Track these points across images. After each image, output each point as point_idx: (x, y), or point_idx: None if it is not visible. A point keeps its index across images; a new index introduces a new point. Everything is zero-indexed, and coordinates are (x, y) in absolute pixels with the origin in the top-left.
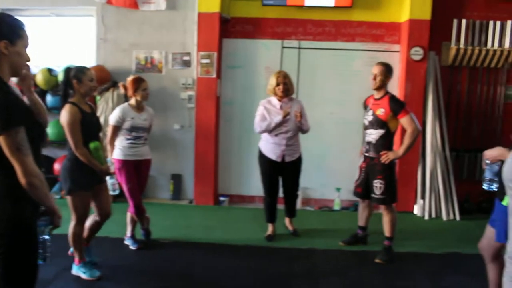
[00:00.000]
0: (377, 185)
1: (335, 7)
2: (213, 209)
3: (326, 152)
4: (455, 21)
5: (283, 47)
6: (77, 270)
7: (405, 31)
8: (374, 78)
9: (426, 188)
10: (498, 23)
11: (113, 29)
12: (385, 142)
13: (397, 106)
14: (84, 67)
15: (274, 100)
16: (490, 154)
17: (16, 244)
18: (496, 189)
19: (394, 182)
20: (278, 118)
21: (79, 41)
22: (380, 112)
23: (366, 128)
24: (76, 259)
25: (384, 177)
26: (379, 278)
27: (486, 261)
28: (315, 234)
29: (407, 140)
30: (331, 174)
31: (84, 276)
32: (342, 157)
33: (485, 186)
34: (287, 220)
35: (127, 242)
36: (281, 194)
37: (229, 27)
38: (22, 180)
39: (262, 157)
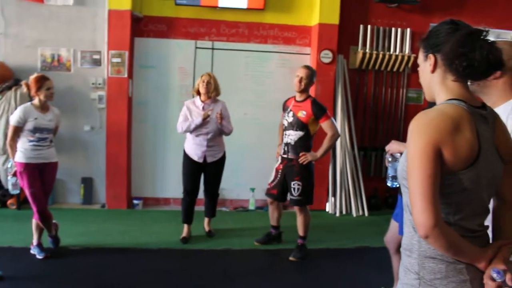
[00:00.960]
0: (295, 186)
1: (248, 9)
2: (127, 212)
3: (241, 153)
4: (361, 27)
5: (197, 48)
6: None
7: (315, 35)
8: (300, 81)
9: (336, 186)
10: (399, 30)
11: (15, 23)
12: (304, 144)
13: (319, 110)
14: None
15: (198, 100)
16: (390, 147)
17: None
18: (398, 185)
19: (311, 184)
20: (198, 119)
21: None
22: (302, 114)
23: (285, 129)
24: None
25: (301, 178)
26: (294, 275)
27: (391, 253)
28: (231, 234)
29: (326, 143)
30: (245, 174)
31: None
32: (257, 158)
33: (388, 183)
34: (206, 221)
35: (33, 251)
36: (200, 195)
37: (141, 26)
38: None
39: (185, 157)
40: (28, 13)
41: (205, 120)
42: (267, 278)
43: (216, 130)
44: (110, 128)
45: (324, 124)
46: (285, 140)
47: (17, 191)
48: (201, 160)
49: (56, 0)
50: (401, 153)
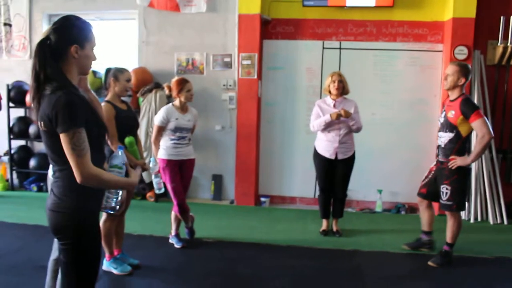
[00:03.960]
0: (444, 190)
1: (376, 7)
2: (254, 209)
3: (368, 154)
4: (502, 19)
5: (324, 48)
6: (108, 265)
7: (448, 30)
8: (446, 78)
9: (471, 190)
10: None
11: (155, 32)
12: (455, 147)
13: (468, 109)
14: (123, 68)
15: (329, 99)
16: None
17: (81, 236)
18: None
19: (462, 189)
20: (327, 116)
21: (123, 44)
22: (451, 114)
23: (438, 130)
24: (107, 254)
25: (450, 182)
26: (425, 282)
27: None
28: (358, 235)
29: (477, 146)
30: (372, 176)
31: (115, 271)
32: (384, 159)
33: None
34: (333, 221)
35: (172, 240)
36: None
37: (269, 28)
38: (77, 179)
39: (317, 155)
40: (166, 22)
41: (337, 119)
42: (401, 282)
43: (348, 126)
44: (239, 127)
45: (474, 124)
46: (437, 142)
47: (162, 190)
48: (333, 157)
49: (191, 9)
50: None
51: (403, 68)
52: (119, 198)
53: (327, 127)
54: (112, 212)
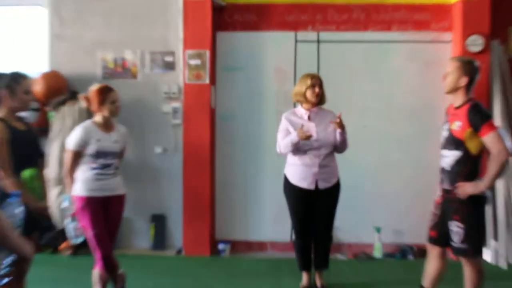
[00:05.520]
0: (454, 228)
1: None
2: (210, 261)
3: (360, 179)
4: None
5: (297, 41)
6: None
7: (457, 15)
8: (444, 77)
9: (499, 224)
10: None
11: (72, 23)
12: (463, 170)
13: (477, 118)
14: (20, 75)
15: (300, 109)
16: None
17: None
18: None
19: (479, 226)
20: (292, 136)
21: (27, 39)
22: (456, 126)
23: (442, 146)
24: None
25: (462, 218)
26: None
27: None
28: None
29: (491, 167)
30: (366, 208)
31: None
32: (381, 185)
33: None
34: (316, 274)
35: None
36: None
37: (225, 17)
38: None
39: (290, 187)
40: (87, 9)
41: (306, 139)
42: None
43: (330, 144)
44: (188, 150)
45: (486, 139)
46: (441, 164)
47: (81, 239)
48: (312, 187)
49: None
50: None
51: (401, 65)
52: (6, 267)
53: (299, 149)
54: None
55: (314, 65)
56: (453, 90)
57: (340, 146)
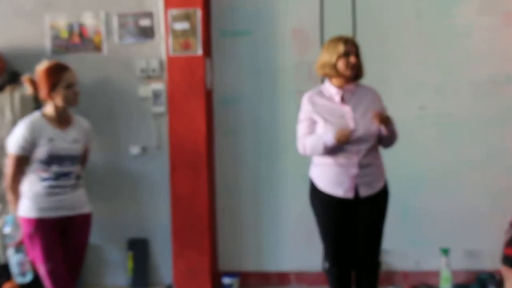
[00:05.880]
0: None
1: None
2: None
3: (417, 182)
4: None
5: None
6: None
7: None
8: None
9: None
10: None
11: None
12: None
13: None
14: None
15: (330, 87)
16: None
17: None
18: None
19: None
20: (328, 137)
21: None
22: None
23: None
24: None
25: None
26: None
27: None
28: None
29: None
30: (429, 223)
31: None
32: (449, 191)
33: None
34: None
35: None
36: None
37: None
38: None
39: (318, 196)
40: None
41: (344, 141)
42: None
43: (373, 135)
44: (176, 148)
45: None
46: None
47: (28, 278)
48: (350, 195)
49: None
50: None
51: (473, 20)
52: None
53: (333, 150)
54: None
55: (348, 26)
56: None
57: (386, 140)
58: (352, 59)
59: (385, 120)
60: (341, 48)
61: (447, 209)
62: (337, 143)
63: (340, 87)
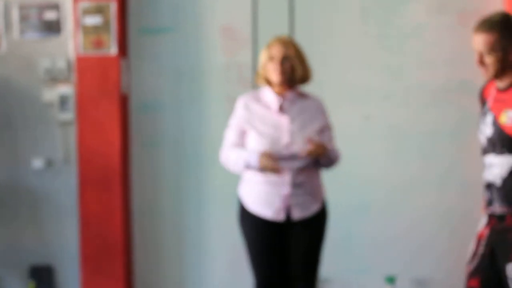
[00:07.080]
0: None
1: None
2: None
3: (360, 203)
4: None
5: None
6: None
7: None
8: (481, 61)
9: None
10: None
11: None
12: None
13: None
14: None
15: (268, 93)
16: None
17: None
18: None
19: None
20: (251, 157)
21: None
22: (508, 118)
23: (483, 151)
24: None
25: None
26: None
27: None
28: None
29: None
30: (373, 248)
31: None
32: (396, 211)
33: None
34: None
35: None
36: None
37: None
38: None
39: (247, 217)
40: None
41: (274, 171)
42: None
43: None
44: (86, 161)
45: None
46: (485, 176)
47: None
48: (280, 217)
49: None
50: None
51: (423, 21)
52: None
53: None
54: None
55: (284, 24)
56: (501, 71)
57: (323, 165)
58: (276, 65)
59: (318, 154)
60: (268, 52)
61: (393, 233)
62: (261, 169)
63: (280, 94)
